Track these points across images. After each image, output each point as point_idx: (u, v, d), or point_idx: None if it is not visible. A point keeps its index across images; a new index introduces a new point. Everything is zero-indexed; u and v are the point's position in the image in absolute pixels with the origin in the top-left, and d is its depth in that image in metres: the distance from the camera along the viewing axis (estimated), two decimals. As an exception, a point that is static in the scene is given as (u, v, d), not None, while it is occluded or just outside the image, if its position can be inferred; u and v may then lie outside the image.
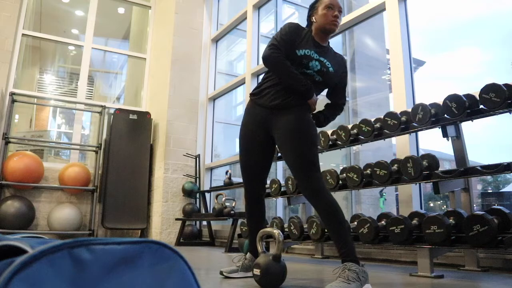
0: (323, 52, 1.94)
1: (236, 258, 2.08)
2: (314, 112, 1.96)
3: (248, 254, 2.05)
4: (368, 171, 2.54)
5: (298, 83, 1.82)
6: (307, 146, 1.77)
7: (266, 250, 1.81)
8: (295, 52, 1.86)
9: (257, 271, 1.69)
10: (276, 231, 1.70)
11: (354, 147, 5.59)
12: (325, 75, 1.90)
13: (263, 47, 5.31)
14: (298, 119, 1.82)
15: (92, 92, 7.70)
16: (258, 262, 1.70)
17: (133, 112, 5.19)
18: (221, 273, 1.98)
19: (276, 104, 1.86)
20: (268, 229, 1.77)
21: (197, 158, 5.13)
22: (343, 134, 2.86)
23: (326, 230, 2.53)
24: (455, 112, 2.19)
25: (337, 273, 1.56)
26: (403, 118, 2.51)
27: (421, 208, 2.67)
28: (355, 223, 2.45)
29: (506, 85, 2.01)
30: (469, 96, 2.18)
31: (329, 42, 2.03)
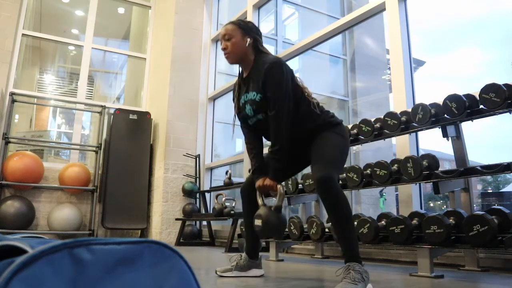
0: (247, 84, 1.87)
1: (233, 257, 2.08)
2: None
3: (244, 254, 2.04)
4: (368, 171, 2.54)
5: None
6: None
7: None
8: (238, 117, 1.96)
9: (258, 222, 1.72)
10: (279, 185, 1.77)
11: (354, 147, 5.59)
12: (259, 108, 1.80)
13: (263, 47, 5.32)
14: None
15: (92, 92, 7.70)
16: (259, 213, 1.74)
17: (133, 112, 5.19)
18: (216, 272, 1.99)
19: None
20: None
21: (197, 158, 5.13)
22: (343, 134, 2.86)
23: (331, 227, 2.52)
24: (455, 112, 2.19)
25: (342, 274, 1.54)
26: (403, 118, 2.50)
27: (421, 208, 2.67)
28: (355, 223, 2.44)
29: (506, 85, 2.01)
30: (469, 96, 2.18)
31: (256, 57, 1.88)
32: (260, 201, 1.83)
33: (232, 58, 1.89)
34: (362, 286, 1.48)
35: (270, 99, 1.75)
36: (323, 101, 7.15)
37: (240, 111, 1.92)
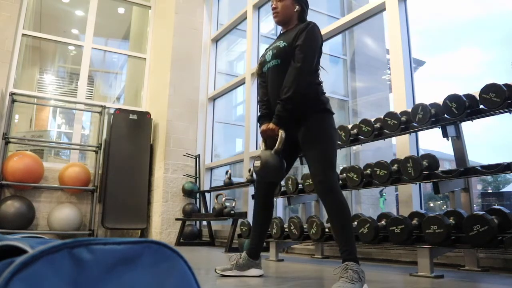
0: (280, 37, 2.02)
1: (232, 257, 2.08)
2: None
3: (244, 254, 2.04)
4: (368, 171, 2.54)
5: None
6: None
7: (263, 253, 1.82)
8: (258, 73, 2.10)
9: (257, 163, 1.79)
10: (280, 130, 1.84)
11: (354, 147, 5.59)
12: (279, 53, 1.92)
13: (263, 47, 5.32)
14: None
15: (92, 92, 7.69)
16: (259, 155, 1.81)
17: (133, 112, 5.19)
18: (215, 270, 1.99)
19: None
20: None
21: (197, 158, 5.13)
22: (343, 134, 2.86)
23: (330, 227, 2.52)
24: (455, 112, 2.19)
25: (339, 273, 1.55)
26: (403, 118, 2.50)
27: (421, 208, 2.67)
28: (355, 223, 2.45)
29: (506, 85, 2.01)
30: (469, 96, 2.18)
31: (298, 23, 2.00)
32: (262, 146, 1.92)
33: (279, 18, 2.00)
34: (359, 286, 1.49)
35: (298, 50, 1.83)
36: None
37: (261, 61, 2.05)
